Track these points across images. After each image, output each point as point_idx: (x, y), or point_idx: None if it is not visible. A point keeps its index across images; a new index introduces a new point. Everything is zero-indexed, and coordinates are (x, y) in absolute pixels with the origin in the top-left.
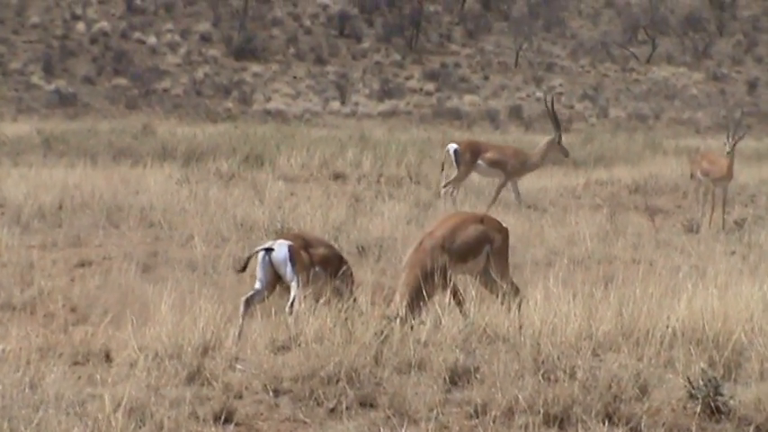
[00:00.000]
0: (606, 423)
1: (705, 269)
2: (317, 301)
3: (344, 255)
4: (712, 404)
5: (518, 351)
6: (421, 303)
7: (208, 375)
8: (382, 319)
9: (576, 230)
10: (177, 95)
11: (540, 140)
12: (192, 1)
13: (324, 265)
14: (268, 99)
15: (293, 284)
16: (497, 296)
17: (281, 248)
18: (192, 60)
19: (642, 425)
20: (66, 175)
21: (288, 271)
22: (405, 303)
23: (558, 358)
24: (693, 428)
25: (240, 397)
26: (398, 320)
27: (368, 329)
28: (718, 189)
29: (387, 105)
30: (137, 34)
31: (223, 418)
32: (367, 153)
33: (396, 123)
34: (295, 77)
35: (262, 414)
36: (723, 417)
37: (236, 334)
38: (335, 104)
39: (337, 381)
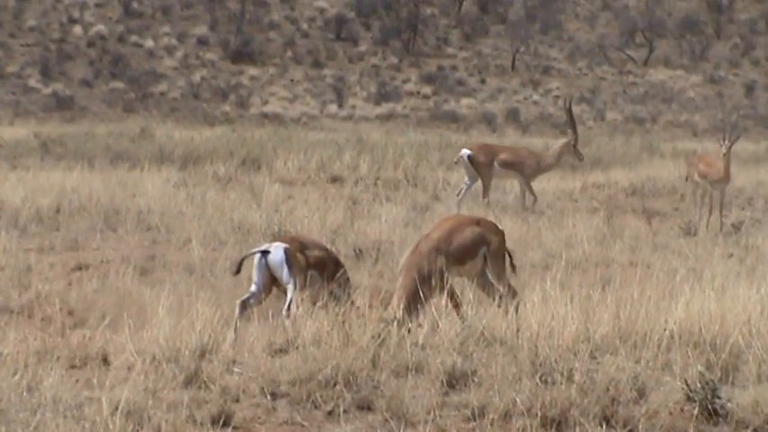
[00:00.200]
0: (604, 426)
1: (702, 272)
2: (314, 304)
3: (341, 258)
4: (710, 407)
5: (515, 354)
6: (418, 306)
7: (205, 379)
8: (379, 322)
9: (574, 233)
10: (174, 99)
11: (538, 143)
12: (189, 4)
13: (320, 267)
14: (265, 102)
15: (290, 287)
16: (494, 299)
17: (277, 251)
18: (190, 64)
19: (640, 428)
20: (64, 178)
21: (284, 274)
22: (402, 306)
23: (556, 361)
24: (691, 431)
25: (237, 400)
26: (396, 323)
27: (365, 332)
28: (715, 192)
29: (384, 108)
30: (134, 38)
31: (221, 421)
32: (364, 156)
33: (393, 126)
34: (292, 81)
35: (259, 417)
36: (720, 419)
37: (232, 337)
38: (333, 108)
39: (335, 384)
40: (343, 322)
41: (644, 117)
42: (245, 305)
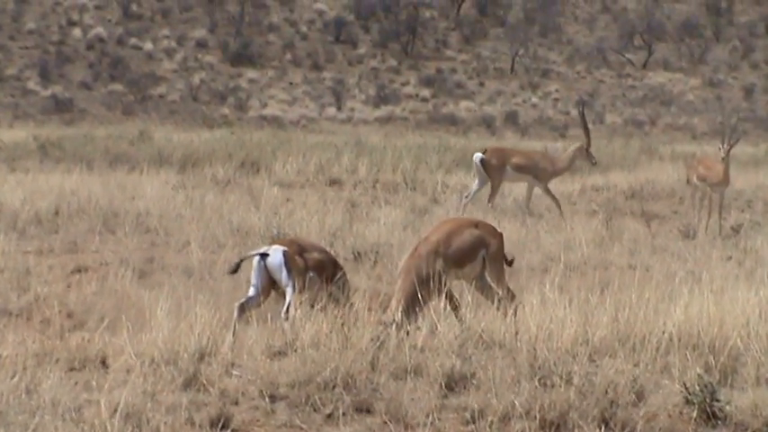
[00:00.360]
0: (602, 429)
1: (701, 275)
2: (313, 306)
3: (340, 260)
4: (708, 410)
5: (514, 357)
6: (417, 309)
7: (204, 381)
8: (378, 325)
9: (572, 236)
10: (173, 101)
11: (537, 146)
12: (189, 7)
13: (319, 270)
14: (264, 105)
15: (288, 290)
16: (493, 302)
17: (275, 254)
18: (189, 66)
19: (638, 430)
20: (63, 180)
21: (283, 276)
22: (401, 309)
23: (555, 364)
24: None
25: (236, 403)
26: (394, 326)
27: (364, 335)
28: (715, 194)
29: (383, 111)
30: (133, 40)
31: (219, 424)
32: (363, 159)
33: (392, 129)
34: (291, 83)
35: (258, 420)
36: (719, 422)
37: (231, 339)
38: (332, 110)
39: (334, 386)
40: (342, 325)
41: (643, 120)
42: (243, 308)
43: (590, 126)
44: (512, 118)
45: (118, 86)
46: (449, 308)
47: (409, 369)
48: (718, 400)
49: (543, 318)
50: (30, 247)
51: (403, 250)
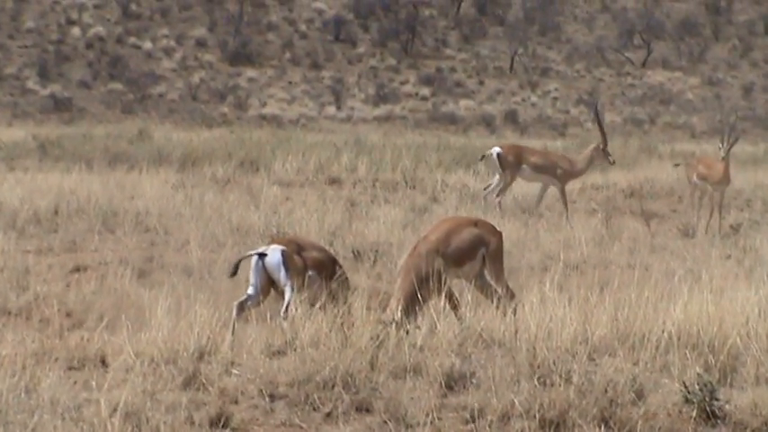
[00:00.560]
0: (602, 427)
1: (700, 273)
2: (312, 305)
3: (340, 259)
4: (708, 409)
5: (514, 356)
6: (416, 308)
7: (203, 380)
8: (378, 324)
9: (572, 235)
10: (173, 100)
11: (537, 145)
12: (188, 6)
13: (318, 269)
14: (263, 104)
15: (287, 289)
16: (492, 300)
17: (274, 253)
18: (188, 65)
19: (638, 429)
20: (62, 180)
21: (282, 276)
22: (400, 308)
23: (554, 363)
24: None
25: (236, 402)
26: (394, 325)
27: (363, 334)
28: (716, 193)
29: (382, 110)
30: (132, 39)
31: (219, 423)
32: (362, 158)
33: (391, 128)
34: (290, 82)
35: (257, 419)
36: (719, 421)
37: (231, 339)
38: (331, 109)
39: (333, 386)
40: (342, 324)
41: (642, 119)
42: (242, 307)
43: (589, 125)
44: (511, 117)
45: (117, 85)
46: (448, 307)
47: (409, 368)
48: (717, 400)
49: (543, 317)
50: (29, 246)
51: (402, 249)
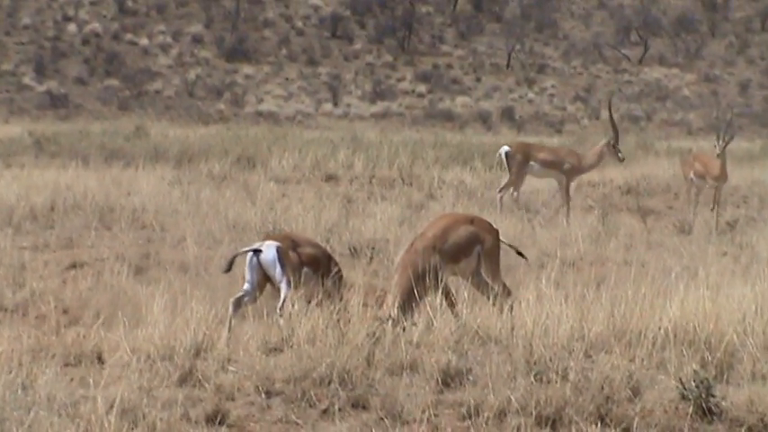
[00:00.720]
0: (598, 424)
1: (697, 270)
2: (309, 302)
3: (336, 256)
4: (704, 405)
5: (510, 352)
6: (413, 305)
7: (200, 377)
8: (374, 321)
9: (568, 232)
10: (169, 97)
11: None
12: (184, 2)
13: (313, 265)
14: (260, 100)
15: (283, 285)
16: (489, 297)
17: (269, 250)
18: (184, 62)
19: (634, 426)
20: (58, 176)
21: (277, 272)
22: (397, 305)
23: (551, 359)
24: (685, 430)
25: (232, 398)
26: (390, 322)
27: (360, 331)
28: (712, 190)
29: (379, 107)
30: (128, 36)
31: (215, 419)
32: (359, 154)
33: (388, 125)
34: (287, 79)
35: (254, 415)
36: (715, 418)
37: (227, 335)
38: (328, 106)
39: (329, 382)
40: (338, 320)
41: (639, 115)
42: (238, 304)
43: (586, 122)
44: (508, 113)
45: (113, 82)
46: (445, 304)
47: (405, 365)
48: (713, 396)
49: (539, 313)
50: (25, 242)
51: (399, 246)
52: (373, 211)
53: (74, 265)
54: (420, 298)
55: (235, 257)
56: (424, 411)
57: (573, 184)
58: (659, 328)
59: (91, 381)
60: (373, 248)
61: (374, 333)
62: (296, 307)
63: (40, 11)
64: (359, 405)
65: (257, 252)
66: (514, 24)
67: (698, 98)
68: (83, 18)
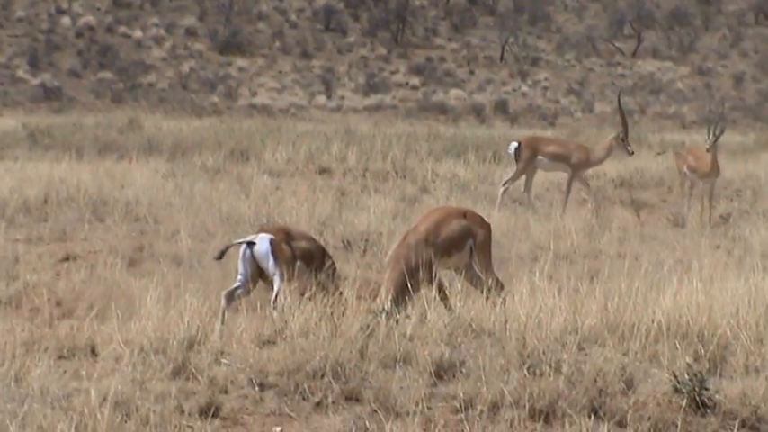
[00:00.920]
0: (592, 417)
1: (690, 263)
2: (302, 295)
3: (329, 249)
4: (697, 398)
5: (503, 345)
6: (406, 297)
7: (193, 370)
8: (368, 314)
9: (562, 225)
10: (163, 90)
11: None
12: None
13: (307, 258)
14: (254, 93)
15: (276, 278)
16: (482, 291)
17: (262, 242)
18: (178, 54)
19: (628, 419)
20: (52, 169)
21: (270, 265)
22: (390, 298)
23: (544, 352)
24: (679, 423)
25: (226, 391)
26: (384, 315)
27: (353, 324)
28: (705, 185)
29: (372, 99)
30: (122, 28)
31: (209, 412)
32: (353, 147)
33: (381, 117)
34: (281, 72)
35: (247, 408)
36: (708, 411)
37: (219, 328)
38: (321, 99)
39: (323, 375)
40: (332, 313)
41: (632, 108)
42: (231, 296)
43: (579, 115)
44: (501, 106)
45: (107, 74)
46: (438, 297)
47: (398, 357)
48: (707, 389)
49: (532, 306)
50: (19, 235)
51: (392, 239)
52: (367, 204)
53: (67, 258)
54: (413, 291)
55: (228, 248)
56: (417, 404)
57: (584, 176)
58: (652, 321)
59: (84, 373)
60: (366, 241)
61: (367, 326)
62: (289, 300)
63: (33, 3)
64: (352, 398)
65: (251, 244)
66: (508, 17)
67: (691, 91)
68: (76, 11)
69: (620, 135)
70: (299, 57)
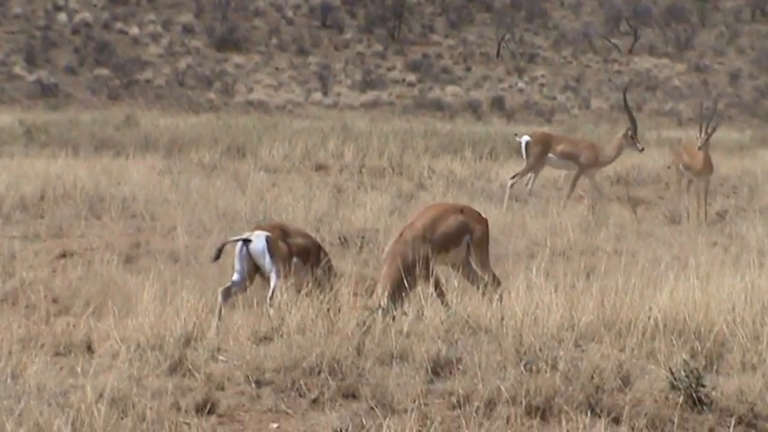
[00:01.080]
0: (588, 414)
1: (687, 260)
2: (299, 291)
3: (326, 246)
4: (694, 395)
5: (500, 342)
6: (403, 294)
7: (190, 366)
8: (364, 311)
9: (558, 221)
10: (159, 86)
11: (523, 131)
12: None
13: (303, 255)
14: (250, 90)
15: (273, 275)
16: (478, 287)
17: (258, 239)
18: (175, 51)
19: (624, 416)
20: (48, 165)
21: (266, 262)
22: (386, 294)
23: (540, 349)
24: (675, 419)
25: (222, 388)
26: (380, 311)
27: (350, 320)
28: (699, 182)
29: (369, 96)
30: (119, 25)
31: (205, 409)
32: (349, 144)
33: (378, 114)
34: (277, 68)
35: (244, 405)
36: (705, 408)
37: (216, 325)
38: (318, 95)
39: (319, 372)
40: (328, 310)
41: (629, 105)
42: (228, 293)
43: (576, 112)
44: (498, 103)
45: (104, 71)
46: (435, 293)
47: (395, 354)
48: (703, 386)
49: (529, 303)
50: (15, 232)
51: (389, 235)
52: (363, 200)
53: (64, 255)
54: (410, 287)
55: (224, 246)
56: (413, 401)
57: (597, 175)
58: (649, 318)
59: (80, 370)
60: (363, 238)
61: (364, 323)
62: (286, 297)
63: (30, 0)
64: (349, 394)
65: (246, 242)
66: (504, 14)
67: (688, 88)
68: (73, 7)
69: (629, 132)
70: (295, 53)
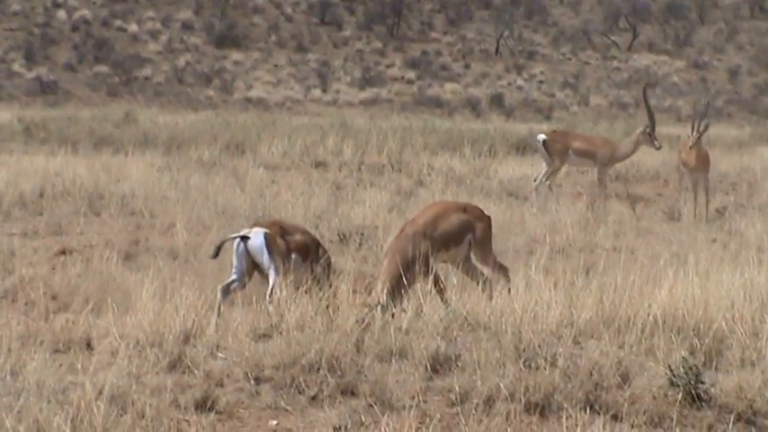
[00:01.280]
0: (587, 411)
1: (686, 257)
2: (298, 288)
3: (325, 242)
4: (693, 392)
5: (499, 339)
6: (402, 291)
7: (189, 363)
8: (363, 307)
9: (558, 218)
10: (158, 83)
11: (522, 128)
12: None
13: (301, 252)
14: (249, 87)
15: (271, 272)
16: (478, 283)
17: (257, 236)
18: (174, 48)
19: (623, 412)
20: (47, 162)
21: (265, 259)
22: (386, 291)
23: (540, 346)
24: (674, 416)
25: (221, 385)
26: (380, 308)
27: (349, 317)
28: (695, 179)
29: (368, 93)
30: (118, 22)
31: (205, 406)
32: (348, 141)
33: (377, 111)
34: (276, 65)
35: (243, 402)
36: (704, 404)
37: (215, 322)
38: (317, 92)
39: (318, 369)
40: (327, 307)
41: (628, 102)
42: (227, 290)
43: (575, 109)
44: (497, 100)
45: (103, 68)
46: (434, 290)
47: (394, 351)
48: (702, 383)
49: (528, 300)
50: (14, 228)
51: (388, 232)
52: (362, 197)
53: (63, 252)
54: (409, 284)
55: (222, 243)
56: (413, 398)
57: (609, 171)
58: (648, 315)
59: (80, 367)
60: (362, 235)
61: (363, 319)
62: (285, 293)
63: None
64: (348, 391)
65: (245, 239)
66: (503, 11)
67: (687, 85)
68: (72, 4)
69: (647, 129)
70: (294, 50)
